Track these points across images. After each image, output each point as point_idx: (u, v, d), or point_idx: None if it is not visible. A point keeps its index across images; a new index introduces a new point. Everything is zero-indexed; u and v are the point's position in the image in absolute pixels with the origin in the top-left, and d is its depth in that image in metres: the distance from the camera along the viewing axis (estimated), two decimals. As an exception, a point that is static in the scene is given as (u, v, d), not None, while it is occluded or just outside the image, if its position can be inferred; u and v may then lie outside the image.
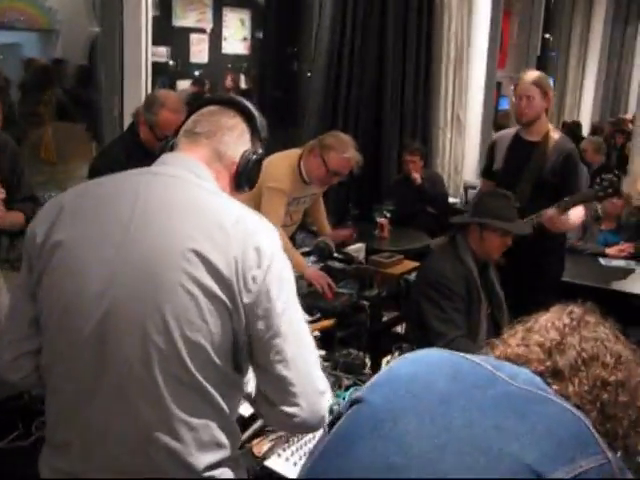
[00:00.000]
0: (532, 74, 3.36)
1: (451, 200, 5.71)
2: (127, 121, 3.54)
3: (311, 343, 1.32)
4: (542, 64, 8.99)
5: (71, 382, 1.26)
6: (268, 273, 1.23)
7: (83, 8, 8.48)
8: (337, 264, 3.36)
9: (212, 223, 1.24)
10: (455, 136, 6.15)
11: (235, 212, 1.28)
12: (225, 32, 9.32)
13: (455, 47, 5.94)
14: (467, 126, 6.24)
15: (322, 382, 1.32)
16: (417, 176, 4.82)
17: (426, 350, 1.22)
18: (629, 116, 11.24)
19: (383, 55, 5.15)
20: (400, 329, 3.51)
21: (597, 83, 10.98)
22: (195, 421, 1.22)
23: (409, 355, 1.22)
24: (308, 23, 5.37)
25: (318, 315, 2.80)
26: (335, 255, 3.42)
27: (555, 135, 3.39)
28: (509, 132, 3.55)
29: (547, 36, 10.02)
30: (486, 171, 3.63)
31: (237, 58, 9.44)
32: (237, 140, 1.41)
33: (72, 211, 1.29)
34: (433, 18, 5.67)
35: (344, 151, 3.24)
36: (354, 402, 1.14)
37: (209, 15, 9.04)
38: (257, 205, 3.51)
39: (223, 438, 1.27)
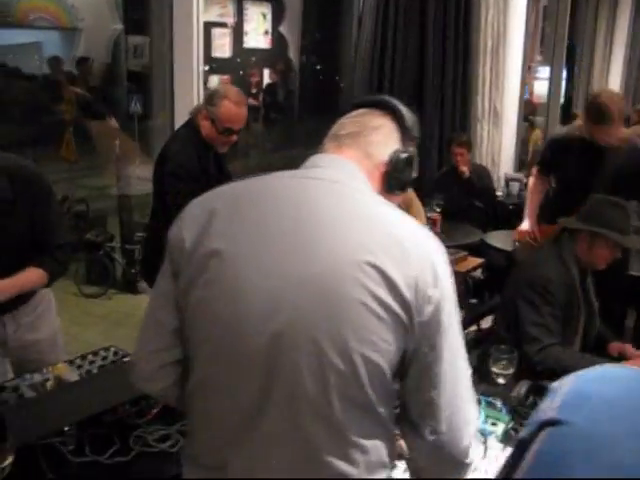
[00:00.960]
0: (609, 96, 3.20)
1: (492, 192, 5.61)
2: (181, 116, 3.45)
3: (466, 368, 1.24)
4: (568, 52, 8.83)
5: (232, 403, 1.16)
6: (442, 293, 1.15)
7: (106, 6, 8.42)
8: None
9: (387, 236, 1.15)
10: (492, 128, 6.04)
11: (408, 226, 1.19)
12: (246, 26, 9.25)
13: (492, 37, 5.84)
14: (503, 117, 6.13)
15: (471, 411, 1.24)
16: (465, 169, 4.72)
17: (605, 366, 1.11)
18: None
19: (423, 48, 5.09)
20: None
21: (623, 72, 10.81)
22: (368, 443, 1.14)
23: (589, 373, 1.11)
24: (348, 14, 5.27)
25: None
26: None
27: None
28: (573, 133, 3.45)
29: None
30: (544, 167, 3.54)
31: (259, 52, 9.37)
32: (385, 139, 1.32)
33: (227, 217, 1.19)
34: (470, 8, 5.57)
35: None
36: (546, 424, 1.04)
37: (231, 9, 8.96)
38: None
39: (386, 457, 1.19)
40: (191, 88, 3.45)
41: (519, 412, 1.96)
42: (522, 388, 2.01)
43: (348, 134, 1.31)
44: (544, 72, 8.63)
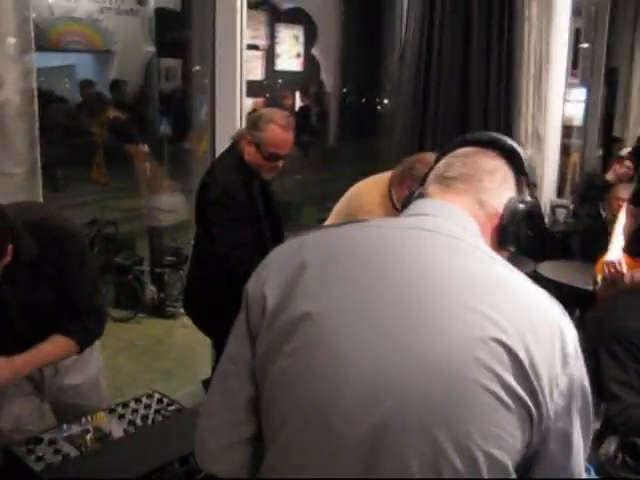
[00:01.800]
0: None
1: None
2: (221, 142, 3.31)
3: (582, 455, 1.04)
4: (609, 74, 8.63)
5: None
6: (572, 377, 0.96)
7: (139, 29, 8.40)
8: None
9: (514, 306, 0.96)
10: (535, 153, 5.85)
11: (534, 292, 1.01)
12: (278, 48, 9.18)
13: (535, 61, 5.69)
14: (546, 142, 5.95)
15: None
16: (515, 196, 4.51)
17: None
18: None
19: (467, 71, 4.94)
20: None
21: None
22: None
23: None
24: (390, 36, 5.17)
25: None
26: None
27: None
28: None
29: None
30: (636, 197, 3.35)
31: (291, 74, 9.28)
32: (500, 186, 1.15)
33: (320, 273, 1.01)
34: (513, 31, 5.42)
35: None
36: None
37: (263, 31, 8.89)
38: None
39: None
40: (233, 112, 3.32)
41: (608, 471, 1.76)
42: (611, 446, 1.81)
43: (458, 177, 1.14)
44: (577, 94, 8.42)
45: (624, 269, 3.27)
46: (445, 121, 4.77)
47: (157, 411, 1.95)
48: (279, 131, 2.72)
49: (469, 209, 1.11)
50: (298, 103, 8.94)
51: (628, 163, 6.13)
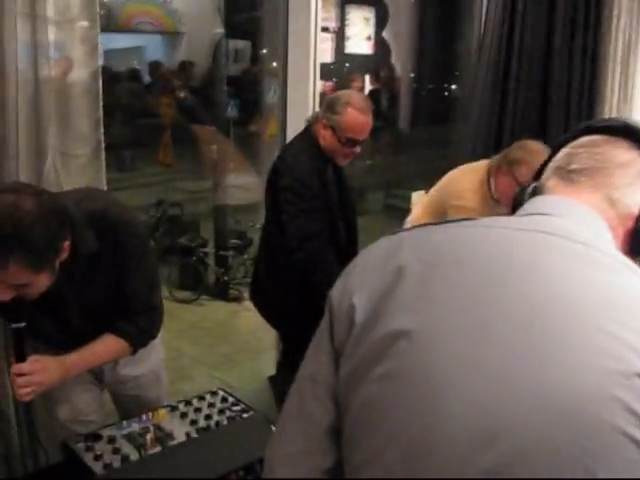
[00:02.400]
0: None
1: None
2: (292, 125, 3.17)
3: None
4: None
5: None
6: None
7: (208, 10, 8.32)
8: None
9: None
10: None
11: None
12: (348, 31, 8.95)
13: (622, 46, 5.33)
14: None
15: None
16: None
17: None
18: None
19: (550, 54, 4.67)
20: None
21: None
22: None
23: None
24: (468, 20, 4.95)
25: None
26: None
27: None
28: None
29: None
30: None
31: (361, 58, 9.06)
32: (635, 182, 0.95)
33: (421, 281, 0.84)
34: (601, 13, 5.10)
35: (537, 163, 2.73)
36: None
37: (333, 14, 8.69)
38: (441, 219, 3.07)
39: None
40: (306, 95, 3.16)
41: None
42: None
43: (582, 170, 0.95)
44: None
45: None
46: (524, 108, 4.52)
47: (221, 411, 1.83)
48: (357, 115, 2.56)
49: (598, 209, 0.92)
50: (368, 87, 8.73)
51: None
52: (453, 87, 8.79)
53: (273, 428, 1.72)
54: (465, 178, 2.95)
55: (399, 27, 9.22)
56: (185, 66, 7.93)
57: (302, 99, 3.18)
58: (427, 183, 3.39)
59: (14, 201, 1.50)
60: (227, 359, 4.44)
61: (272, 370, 3.75)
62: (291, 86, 3.24)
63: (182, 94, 6.95)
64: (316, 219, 2.56)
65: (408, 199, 7.69)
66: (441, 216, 3.04)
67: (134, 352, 1.96)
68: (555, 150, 1.05)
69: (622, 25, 5.27)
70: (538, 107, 4.70)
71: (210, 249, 5.79)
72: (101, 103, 2.25)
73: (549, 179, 0.99)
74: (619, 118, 1.02)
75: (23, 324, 1.70)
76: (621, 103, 5.45)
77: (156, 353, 2.20)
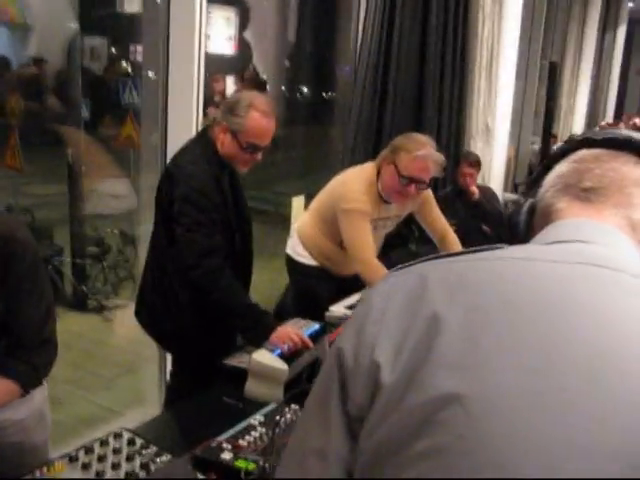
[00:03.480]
0: None
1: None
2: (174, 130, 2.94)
3: None
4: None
5: None
6: None
7: (61, 3, 7.75)
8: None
9: None
10: (484, 145, 5.72)
11: None
12: (209, 30, 8.71)
13: (487, 52, 5.54)
14: (495, 134, 5.83)
15: None
16: (476, 190, 4.33)
17: None
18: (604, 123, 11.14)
19: (423, 59, 4.75)
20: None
21: (590, 88, 10.79)
22: None
23: None
24: (345, 24, 4.94)
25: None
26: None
27: None
28: None
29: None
30: None
31: (223, 58, 8.85)
32: None
33: (464, 332, 0.69)
34: (469, 21, 5.27)
35: (417, 149, 2.72)
36: None
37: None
38: (332, 226, 2.96)
39: None
40: (190, 94, 2.94)
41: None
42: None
43: (599, 189, 0.85)
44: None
45: None
46: (402, 113, 4.55)
47: (130, 457, 1.59)
48: (260, 118, 2.37)
49: (622, 232, 0.82)
50: (231, 88, 8.53)
51: None
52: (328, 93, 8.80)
53: (199, 475, 1.52)
54: (354, 180, 2.89)
55: (264, 28, 9.10)
56: (38, 63, 7.34)
57: (186, 102, 2.96)
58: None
59: None
60: (104, 380, 4.11)
61: (153, 390, 3.51)
62: (173, 87, 3.00)
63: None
64: (214, 233, 2.35)
65: (280, 203, 7.58)
66: (332, 221, 2.94)
67: (24, 394, 1.68)
68: (549, 163, 0.94)
69: (486, 30, 5.48)
70: (412, 114, 4.76)
71: (66, 257, 5.44)
72: None
73: (557, 198, 0.88)
74: (619, 131, 0.92)
75: None
76: (486, 108, 5.66)
77: (41, 390, 1.92)
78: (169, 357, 3.06)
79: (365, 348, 0.73)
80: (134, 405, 3.62)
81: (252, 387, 2.02)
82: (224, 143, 2.40)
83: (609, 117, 13.35)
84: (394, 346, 0.71)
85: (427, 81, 4.79)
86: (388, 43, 4.33)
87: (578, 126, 10.42)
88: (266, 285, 4.37)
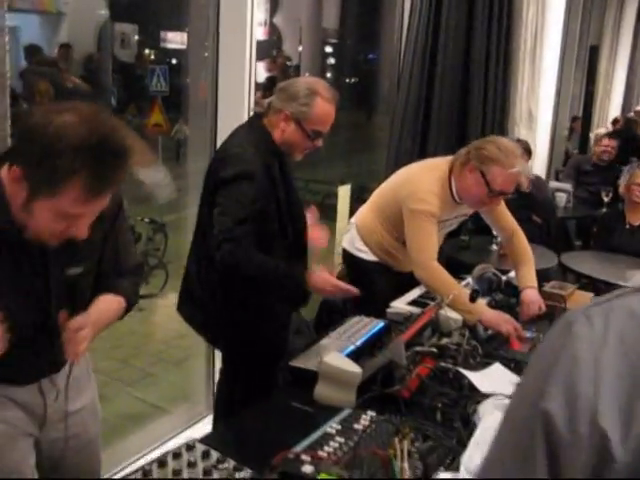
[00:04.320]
0: None
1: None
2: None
3: None
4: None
5: None
6: None
7: (91, -12, 7.67)
8: (502, 298, 2.70)
9: None
10: (527, 132, 5.55)
11: None
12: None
13: (531, 37, 5.37)
14: (538, 121, 5.66)
15: None
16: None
17: None
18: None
19: (469, 48, 4.61)
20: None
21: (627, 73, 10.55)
22: None
23: None
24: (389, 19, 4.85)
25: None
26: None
27: None
28: None
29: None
30: None
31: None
32: None
33: None
34: (513, 7, 5.10)
35: (511, 165, 2.56)
36: None
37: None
38: (395, 222, 2.83)
39: None
40: (242, 82, 2.82)
41: None
42: None
43: None
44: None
45: None
46: (446, 101, 4.43)
47: (207, 471, 1.49)
48: (325, 104, 2.28)
49: None
50: (263, 74, 8.42)
51: (605, 142, 5.98)
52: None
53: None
54: (425, 179, 2.72)
55: (293, 13, 8.96)
56: (63, 49, 7.27)
57: (237, 89, 2.84)
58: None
59: None
60: (143, 373, 4.04)
61: (192, 383, 3.43)
62: (223, 75, 2.88)
63: (70, 82, 6.34)
64: (246, 220, 2.21)
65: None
66: (395, 218, 2.81)
67: (127, 311, 1.78)
68: None
69: (530, 13, 5.30)
70: (458, 101, 4.63)
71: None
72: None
73: None
74: None
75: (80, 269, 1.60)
76: (529, 88, 5.50)
77: (94, 379, 1.90)
78: (218, 352, 2.96)
79: (582, 415, 0.61)
80: (180, 402, 3.53)
81: (323, 391, 1.91)
82: (285, 131, 2.29)
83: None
84: (621, 411, 0.59)
85: (473, 66, 4.65)
86: (435, 28, 4.20)
87: (614, 111, 10.18)
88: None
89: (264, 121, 2.35)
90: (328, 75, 11.81)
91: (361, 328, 2.30)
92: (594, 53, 7.66)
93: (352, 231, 3.07)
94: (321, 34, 9.07)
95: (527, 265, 2.78)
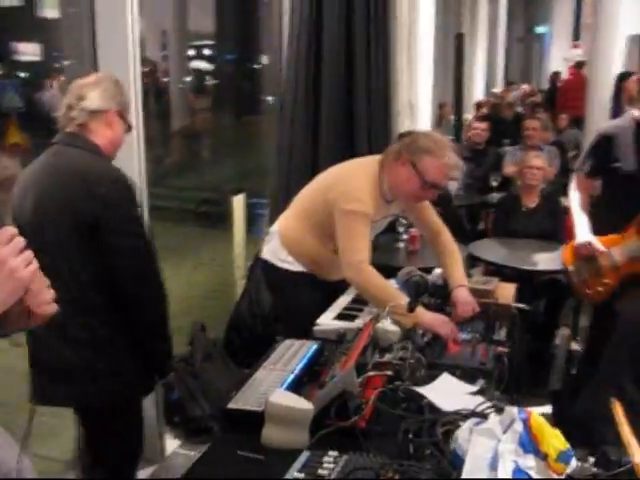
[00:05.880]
0: None
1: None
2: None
3: None
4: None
5: None
6: None
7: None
8: (432, 301, 2.61)
9: None
10: (410, 122, 5.60)
11: None
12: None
13: (406, 29, 5.42)
14: (418, 111, 5.72)
15: None
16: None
17: None
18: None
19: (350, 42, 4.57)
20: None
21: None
22: None
23: None
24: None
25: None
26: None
27: None
28: (624, 123, 3.01)
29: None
30: (595, 169, 3.07)
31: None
32: None
33: None
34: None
35: (443, 155, 2.49)
36: None
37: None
38: (325, 228, 2.67)
39: None
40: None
41: None
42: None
43: None
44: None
45: (600, 247, 3.00)
46: (332, 99, 4.39)
47: None
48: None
49: None
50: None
51: (476, 124, 6.18)
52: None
53: None
54: (357, 176, 2.62)
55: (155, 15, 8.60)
56: None
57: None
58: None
59: None
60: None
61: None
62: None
63: None
64: None
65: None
66: (324, 223, 2.64)
67: None
68: None
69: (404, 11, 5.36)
70: (344, 99, 4.59)
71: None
72: None
73: None
74: None
75: None
76: (408, 84, 5.54)
77: None
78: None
79: None
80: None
81: (272, 434, 1.71)
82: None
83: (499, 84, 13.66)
84: None
85: (355, 61, 4.66)
86: (317, 33, 4.20)
87: (479, 95, 10.56)
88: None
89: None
90: (188, 79, 11.50)
91: (295, 353, 2.12)
92: (460, 40, 7.84)
93: (274, 241, 2.85)
94: (186, 38, 8.79)
95: (456, 263, 2.71)
